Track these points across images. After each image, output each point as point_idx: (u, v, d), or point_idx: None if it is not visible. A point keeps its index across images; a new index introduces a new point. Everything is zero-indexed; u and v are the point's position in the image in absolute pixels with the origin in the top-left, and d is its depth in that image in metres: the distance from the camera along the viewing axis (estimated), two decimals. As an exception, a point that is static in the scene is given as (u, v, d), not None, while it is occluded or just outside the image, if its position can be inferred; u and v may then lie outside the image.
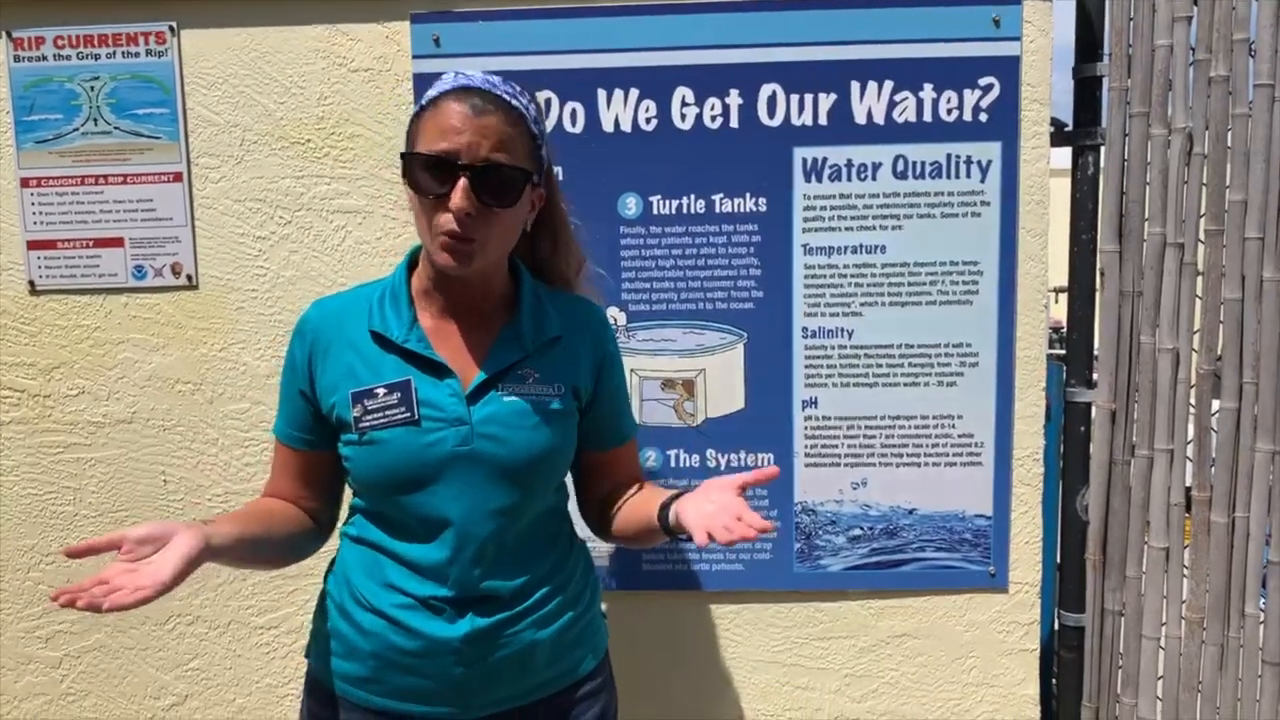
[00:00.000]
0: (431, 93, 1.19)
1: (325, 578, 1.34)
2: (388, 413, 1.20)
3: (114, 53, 1.76)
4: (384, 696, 1.25)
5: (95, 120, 1.78)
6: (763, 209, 1.77)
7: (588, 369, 1.32)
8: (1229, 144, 1.73)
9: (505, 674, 1.25)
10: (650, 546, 1.37)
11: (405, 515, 1.23)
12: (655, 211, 1.77)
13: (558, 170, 1.73)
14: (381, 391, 1.20)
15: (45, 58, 1.77)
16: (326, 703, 1.29)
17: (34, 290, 1.82)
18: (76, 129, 1.78)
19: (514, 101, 1.18)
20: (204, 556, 1.09)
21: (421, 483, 1.20)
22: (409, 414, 1.19)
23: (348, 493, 1.35)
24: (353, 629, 1.26)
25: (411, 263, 1.30)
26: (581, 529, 1.41)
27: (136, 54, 1.76)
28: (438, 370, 1.22)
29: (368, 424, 1.20)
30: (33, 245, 1.81)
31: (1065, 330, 1.92)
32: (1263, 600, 1.81)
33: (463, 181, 1.13)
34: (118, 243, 1.81)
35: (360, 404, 1.20)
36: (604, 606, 1.43)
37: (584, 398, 1.32)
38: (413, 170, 1.16)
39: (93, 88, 1.77)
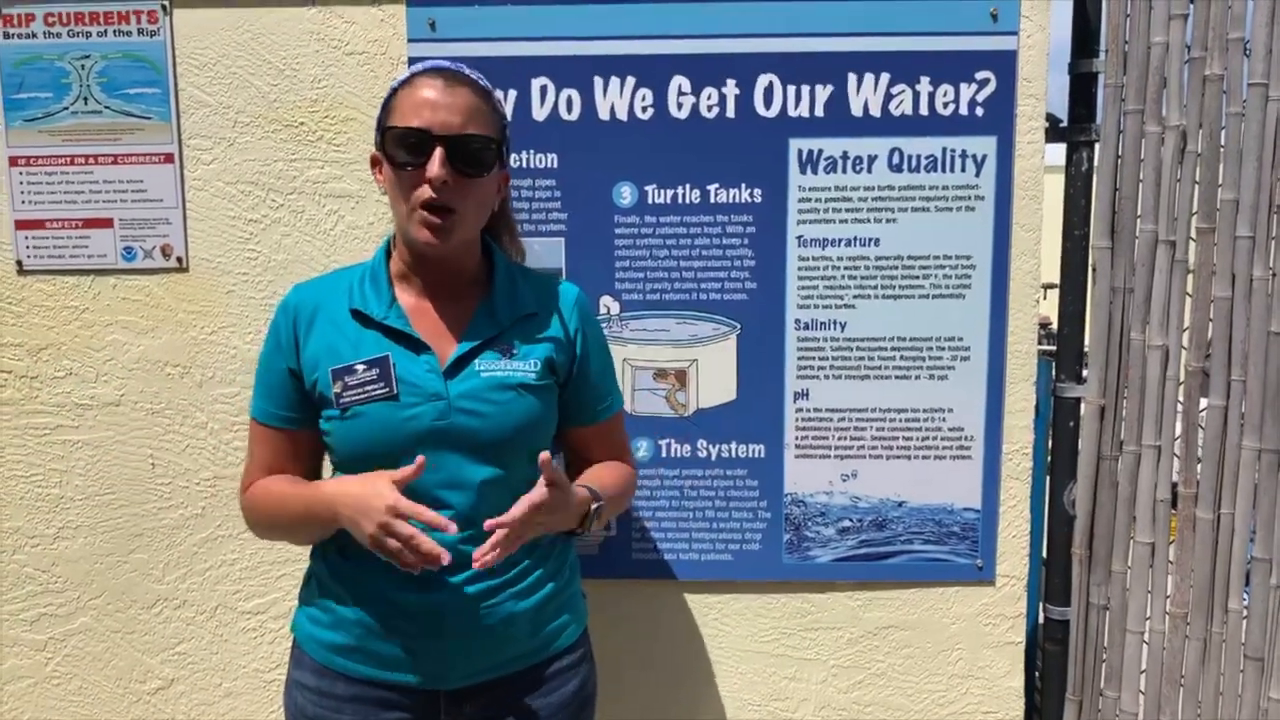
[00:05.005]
0: (404, 74, 1.27)
1: (311, 554, 1.37)
2: (367, 388, 1.24)
3: (105, 31, 1.74)
4: (366, 665, 1.28)
5: (85, 99, 1.76)
6: (757, 200, 1.76)
7: (564, 345, 1.36)
8: (1222, 142, 1.74)
9: (485, 644, 1.28)
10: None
11: None
12: (650, 201, 1.76)
13: (551, 157, 1.75)
14: (361, 368, 1.25)
15: (35, 35, 1.74)
16: (311, 674, 1.32)
17: (21, 270, 1.80)
18: (66, 108, 1.76)
19: (481, 83, 1.27)
20: None
21: (399, 456, 1.22)
22: (388, 389, 1.23)
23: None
24: (338, 600, 1.29)
25: (390, 247, 1.35)
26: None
27: (128, 33, 1.74)
28: (415, 346, 1.26)
29: (348, 399, 1.24)
30: (20, 225, 1.79)
31: (1051, 327, 1.92)
32: (1245, 596, 1.82)
33: (439, 151, 1.19)
34: (107, 223, 1.79)
35: (340, 380, 1.24)
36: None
37: (561, 373, 1.35)
38: (390, 144, 1.22)
39: (83, 66, 1.75)
